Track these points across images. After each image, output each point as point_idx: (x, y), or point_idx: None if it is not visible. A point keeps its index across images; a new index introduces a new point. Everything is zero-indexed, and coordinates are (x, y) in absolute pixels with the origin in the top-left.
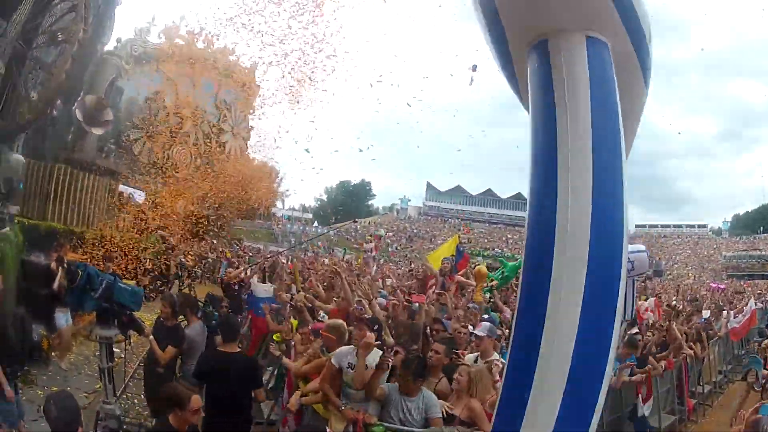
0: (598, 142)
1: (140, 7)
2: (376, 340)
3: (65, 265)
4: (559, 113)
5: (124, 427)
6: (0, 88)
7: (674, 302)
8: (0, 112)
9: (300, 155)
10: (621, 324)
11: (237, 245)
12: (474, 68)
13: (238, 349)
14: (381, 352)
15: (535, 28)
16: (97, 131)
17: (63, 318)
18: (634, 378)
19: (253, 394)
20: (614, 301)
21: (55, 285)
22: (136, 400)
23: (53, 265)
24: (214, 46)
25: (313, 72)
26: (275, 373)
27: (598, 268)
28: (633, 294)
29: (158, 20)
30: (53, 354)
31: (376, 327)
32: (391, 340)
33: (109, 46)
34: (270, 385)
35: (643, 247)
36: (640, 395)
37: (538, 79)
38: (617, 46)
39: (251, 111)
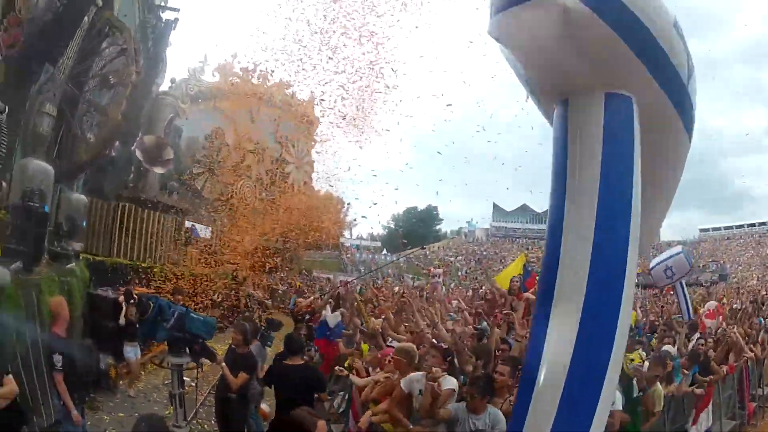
0: (604, 191)
1: (192, 47)
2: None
3: (135, 299)
4: (570, 167)
5: None
6: (54, 130)
7: (735, 305)
8: (57, 153)
9: (366, 184)
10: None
11: (306, 276)
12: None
13: (301, 362)
14: (454, 380)
15: (558, 89)
16: (159, 170)
17: (132, 351)
18: (697, 390)
19: (316, 396)
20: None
21: (122, 319)
22: (206, 426)
23: (120, 298)
24: (270, 81)
25: (373, 100)
26: (346, 397)
27: (595, 294)
28: (684, 297)
29: (211, 59)
30: (121, 381)
31: (449, 357)
32: (469, 368)
33: (164, 86)
34: (341, 409)
35: (678, 249)
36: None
37: (558, 131)
38: (647, 97)
39: (312, 143)
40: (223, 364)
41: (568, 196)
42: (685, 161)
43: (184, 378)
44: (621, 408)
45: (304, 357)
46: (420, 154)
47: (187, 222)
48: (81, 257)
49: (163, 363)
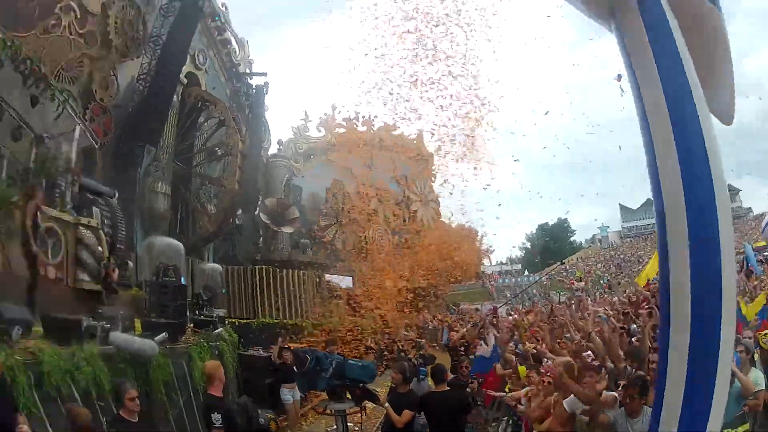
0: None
1: (290, 106)
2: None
3: (290, 353)
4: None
5: None
6: (172, 207)
7: None
8: (179, 228)
9: (493, 209)
10: None
11: (455, 309)
12: (619, 78)
13: (447, 388)
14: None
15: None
16: (287, 230)
17: (289, 394)
18: None
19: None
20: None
21: (275, 357)
22: None
23: (274, 356)
24: (374, 125)
25: (480, 126)
26: (510, 421)
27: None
28: None
29: (312, 114)
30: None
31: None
32: (622, 366)
33: (272, 149)
34: None
35: None
36: None
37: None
38: None
39: (432, 178)
40: (387, 404)
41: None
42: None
43: (348, 423)
44: (765, 387)
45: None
46: (537, 171)
47: (333, 276)
48: (227, 321)
49: (327, 410)
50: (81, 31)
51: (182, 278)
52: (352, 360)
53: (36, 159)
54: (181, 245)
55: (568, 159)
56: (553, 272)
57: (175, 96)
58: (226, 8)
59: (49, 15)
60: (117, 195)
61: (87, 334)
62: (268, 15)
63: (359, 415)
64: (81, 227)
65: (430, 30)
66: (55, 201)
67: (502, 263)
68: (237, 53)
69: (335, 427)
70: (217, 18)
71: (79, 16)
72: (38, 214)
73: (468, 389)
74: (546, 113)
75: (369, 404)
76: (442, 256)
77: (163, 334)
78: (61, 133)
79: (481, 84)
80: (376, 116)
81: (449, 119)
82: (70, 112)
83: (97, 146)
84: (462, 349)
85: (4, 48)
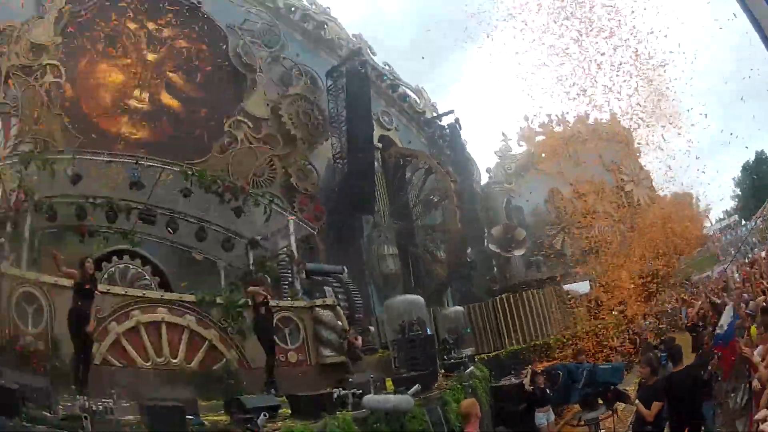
0: None
1: (484, 134)
2: None
3: (543, 376)
4: None
5: None
6: (403, 264)
7: None
8: (414, 282)
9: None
10: None
11: (687, 284)
12: None
13: (683, 367)
14: None
15: None
16: (518, 252)
17: (544, 417)
18: None
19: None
20: None
21: (527, 384)
22: None
23: (526, 382)
24: (570, 124)
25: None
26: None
27: None
28: None
29: (508, 132)
30: None
31: None
32: None
33: (484, 179)
34: (743, 404)
35: None
36: None
37: None
38: None
39: (637, 154)
40: (637, 401)
41: None
42: None
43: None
44: None
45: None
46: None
47: (569, 287)
48: (476, 359)
49: (580, 422)
50: (259, 137)
51: (428, 329)
52: (601, 365)
53: (254, 261)
54: (420, 298)
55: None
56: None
57: (375, 162)
58: (389, 66)
59: (220, 135)
60: (345, 270)
61: (338, 404)
62: (428, 56)
63: (611, 419)
64: (317, 308)
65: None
66: (284, 292)
67: (720, 219)
68: (418, 102)
69: None
70: (385, 77)
71: (251, 126)
72: (265, 306)
73: (709, 366)
74: None
75: (620, 406)
76: (665, 233)
77: (417, 386)
78: (275, 231)
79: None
80: (567, 112)
81: (636, 91)
82: (279, 210)
83: (315, 232)
84: (701, 324)
85: (187, 178)
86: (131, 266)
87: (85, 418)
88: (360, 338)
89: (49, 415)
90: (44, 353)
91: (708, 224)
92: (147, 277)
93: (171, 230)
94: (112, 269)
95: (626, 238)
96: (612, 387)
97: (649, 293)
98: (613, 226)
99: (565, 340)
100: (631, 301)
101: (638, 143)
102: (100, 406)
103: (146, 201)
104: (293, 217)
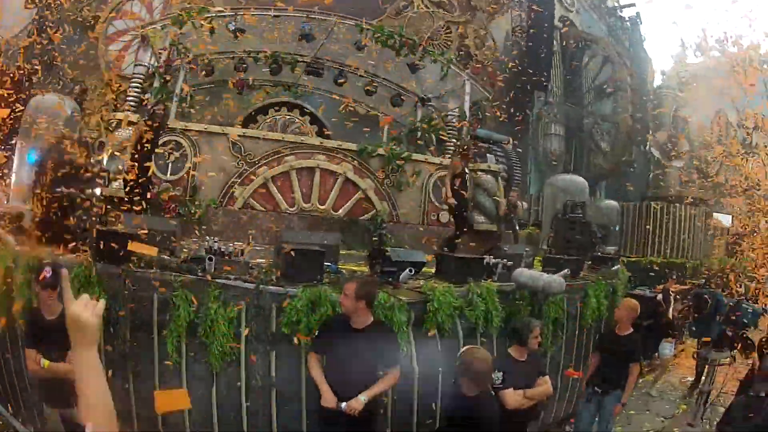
0: None
1: (665, 36)
2: None
3: (691, 296)
4: None
5: None
6: (566, 147)
7: None
8: (573, 167)
9: None
10: None
11: None
12: None
13: None
14: None
15: None
16: (677, 164)
17: (669, 348)
18: None
19: None
20: None
21: (671, 312)
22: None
23: (659, 297)
24: (744, 46)
25: None
26: None
27: None
28: None
29: (687, 40)
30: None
31: None
32: None
33: (657, 81)
34: None
35: None
36: None
37: None
38: None
39: None
40: (755, 354)
41: None
42: None
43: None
44: None
45: None
46: None
47: (718, 214)
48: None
49: (704, 359)
50: (435, 1)
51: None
52: (746, 303)
53: (422, 119)
54: (584, 181)
55: None
56: None
57: (554, 41)
58: None
59: None
60: (511, 141)
61: (486, 272)
62: None
63: (729, 365)
64: (480, 172)
65: None
66: (448, 152)
67: None
68: None
69: (702, 378)
70: None
71: None
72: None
73: None
74: None
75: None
76: None
77: (566, 270)
78: (449, 91)
79: None
80: (742, 36)
81: None
82: (457, 70)
83: (489, 97)
84: None
85: (362, 31)
86: (288, 116)
87: (210, 259)
88: (524, 204)
89: (168, 258)
90: (180, 198)
91: None
92: (304, 126)
93: (339, 83)
94: (269, 119)
95: None
96: (745, 331)
97: None
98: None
99: (701, 267)
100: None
101: None
102: (230, 248)
103: (315, 54)
104: (469, 80)
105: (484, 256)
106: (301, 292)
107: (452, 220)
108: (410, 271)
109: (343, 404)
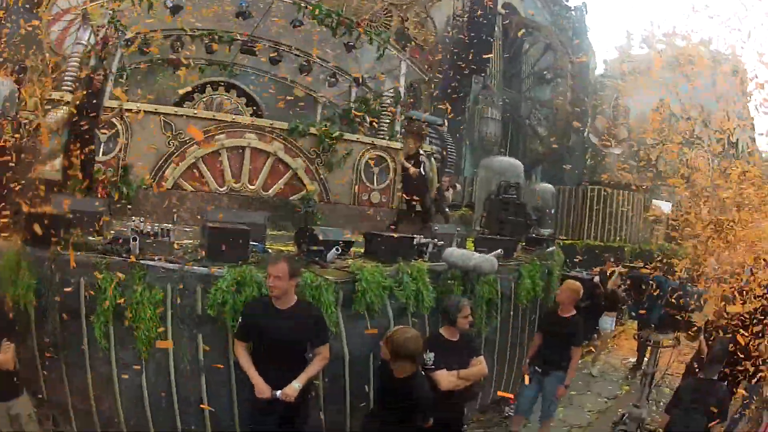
0: None
1: (610, 27)
2: None
3: (630, 278)
4: None
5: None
6: (503, 131)
7: None
8: (508, 151)
9: None
10: None
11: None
12: None
13: None
14: None
15: None
16: (616, 151)
17: (609, 322)
18: None
19: None
20: None
21: (611, 283)
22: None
23: (596, 279)
24: (692, 40)
25: None
26: None
27: None
28: None
29: (634, 32)
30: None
31: None
32: None
33: (599, 70)
34: None
35: None
36: None
37: None
38: None
39: (747, 98)
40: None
41: None
42: None
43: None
44: None
45: None
46: None
47: (657, 201)
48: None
49: (648, 339)
50: None
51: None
52: (690, 286)
53: (356, 99)
54: (519, 163)
55: None
56: None
57: (496, 26)
58: None
59: None
60: (445, 123)
61: (416, 251)
62: None
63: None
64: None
65: None
66: (381, 132)
67: None
68: None
69: (646, 360)
70: None
71: None
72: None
73: None
74: None
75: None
76: (752, 186)
77: (500, 250)
78: (384, 72)
79: None
80: (693, 31)
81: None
82: (393, 51)
83: (426, 79)
84: None
85: (300, 10)
86: (224, 96)
87: (134, 239)
88: (457, 187)
89: (94, 239)
90: (112, 180)
91: None
92: (239, 107)
93: (273, 62)
94: (205, 98)
95: (719, 176)
96: (685, 313)
97: (722, 240)
98: (710, 160)
99: (639, 251)
100: (704, 239)
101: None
102: (156, 228)
103: (250, 33)
104: (406, 60)
105: (414, 236)
106: (226, 272)
107: (405, 200)
108: (337, 249)
109: (278, 393)
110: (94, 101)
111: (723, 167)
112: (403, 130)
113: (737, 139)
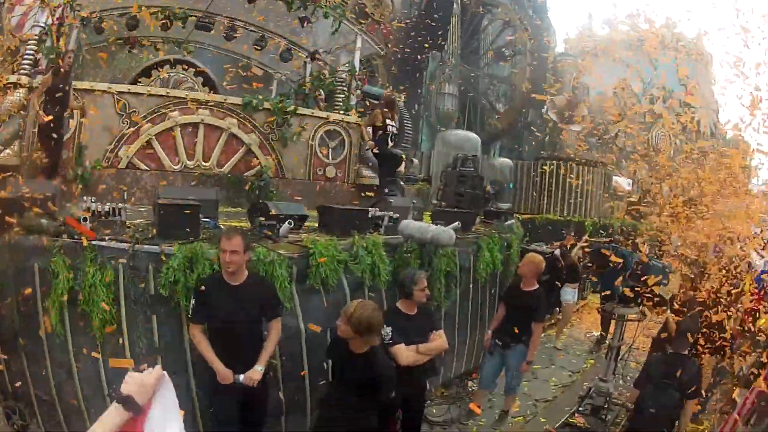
0: None
1: (571, 7)
2: None
3: (594, 250)
4: None
5: (605, 406)
6: (461, 106)
7: None
8: (466, 126)
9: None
10: None
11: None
12: None
13: None
14: None
15: None
16: (575, 128)
17: (571, 294)
18: None
19: None
20: None
21: (574, 253)
22: (622, 381)
23: (557, 252)
24: (656, 24)
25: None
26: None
27: None
28: None
29: (595, 13)
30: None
31: None
32: None
33: (559, 48)
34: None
35: None
36: None
37: None
38: None
39: (713, 82)
40: (669, 312)
41: None
42: None
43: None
44: None
45: None
46: None
47: (617, 177)
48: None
49: (611, 315)
50: None
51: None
52: (654, 260)
53: (311, 73)
54: (476, 136)
55: None
56: None
57: (454, 3)
58: None
59: None
60: (402, 98)
61: (371, 225)
62: None
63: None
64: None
65: None
66: (336, 106)
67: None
68: None
69: (611, 332)
70: None
71: None
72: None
73: None
74: None
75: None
76: (714, 168)
77: (457, 223)
78: (340, 46)
79: None
80: (655, 12)
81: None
82: (349, 25)
83: (382, 53)
84: None
85: None
86: (181, 74)
87: (84, 219)
88: (414, 161)
89: (46, 222)
90: (66, 161)
91: (755, 181)
92: (196, 86)
93: (228, 38)
94: (162, 75)
95: (679, 155)
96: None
97: (685, 218)
98: (671, 139)
99: (600, 226)
100: (665, 215)
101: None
102: (107, 208)
103: (205, 9)
104: (361, 35)
105: (369, 209)
106: (176, 250)
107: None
108: (290, 223)
109: (241, 377)
110: (62, 84)
111: (686, 147)
112: (382, 102)
113: (699, 120)
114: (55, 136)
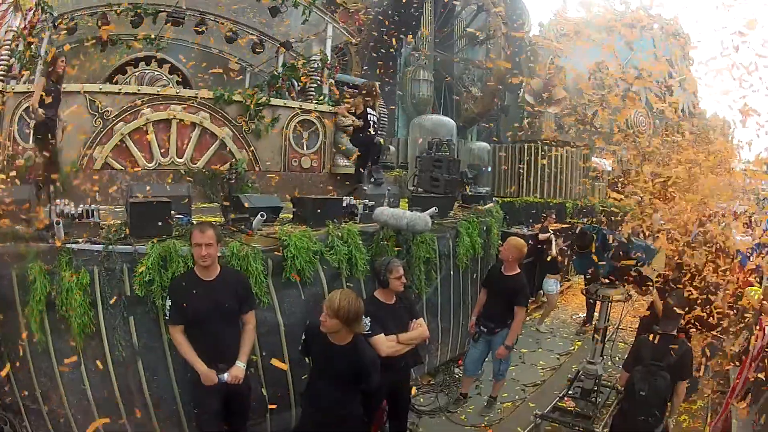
0: None
1: None
2: None
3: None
4: None
5: (595, 388)
6: (436, 95)
7: None
8: (442, 111)
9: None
10: None
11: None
12: None
13: None
14: None
15: None
16: (553, 110)
17: (554, 284)
18: None
19: None
20: None
21: (554, 250)
22: (611, 362)
23: (540, 235)
24: (631, 5)
25: None
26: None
27: None
28: None
29: None
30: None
31: None
32: None
33: (534, 31)
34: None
35: None
36: None
37: None
38: None
39: (689, 62)
40: (655, 291)
41: None
42: None
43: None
44: None
45: None
46: None
47: (597, 159)
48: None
49: (595, 295)
50: None
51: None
52: (637, 239)
53: (284, 64)
54: (451, 120)
55: None
56: None
57: None
58: None
59: None
60: (378, 85)
61: (346, 213)
62: None
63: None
64: (340, 116)
65: None
66: (309, 95)
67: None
68: None
69: (595, 314)
70: None
71: None
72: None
73: None
74: None
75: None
76: (695, 148)
77: (434, 208)
78: (312, 35)
79: None
80: None
81: None
82: (319, 13)
83: (354, 41)
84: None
85: None
86: (155, 72)
87: (57, 223)
88: (390, 149)
89: (21, 227)
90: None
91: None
92: (170, 82)
93: (200, 32)
94: (137, 72)
95: (659, 137)
96: (637, 268)
97: (665, 197)
98: (650, 119)
99: (580, 208)
100: (647, 195)
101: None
102: (80, 210)
103: (175, 4)
104: (332, 23)
105: (343, 198)
106: (150, 248)
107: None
108: (262, 216)
109: (225, 375)
110: (55, 88)
111: (664, 126)
112: (364, 91)
113: (681, 103)
114: (50, 137)
